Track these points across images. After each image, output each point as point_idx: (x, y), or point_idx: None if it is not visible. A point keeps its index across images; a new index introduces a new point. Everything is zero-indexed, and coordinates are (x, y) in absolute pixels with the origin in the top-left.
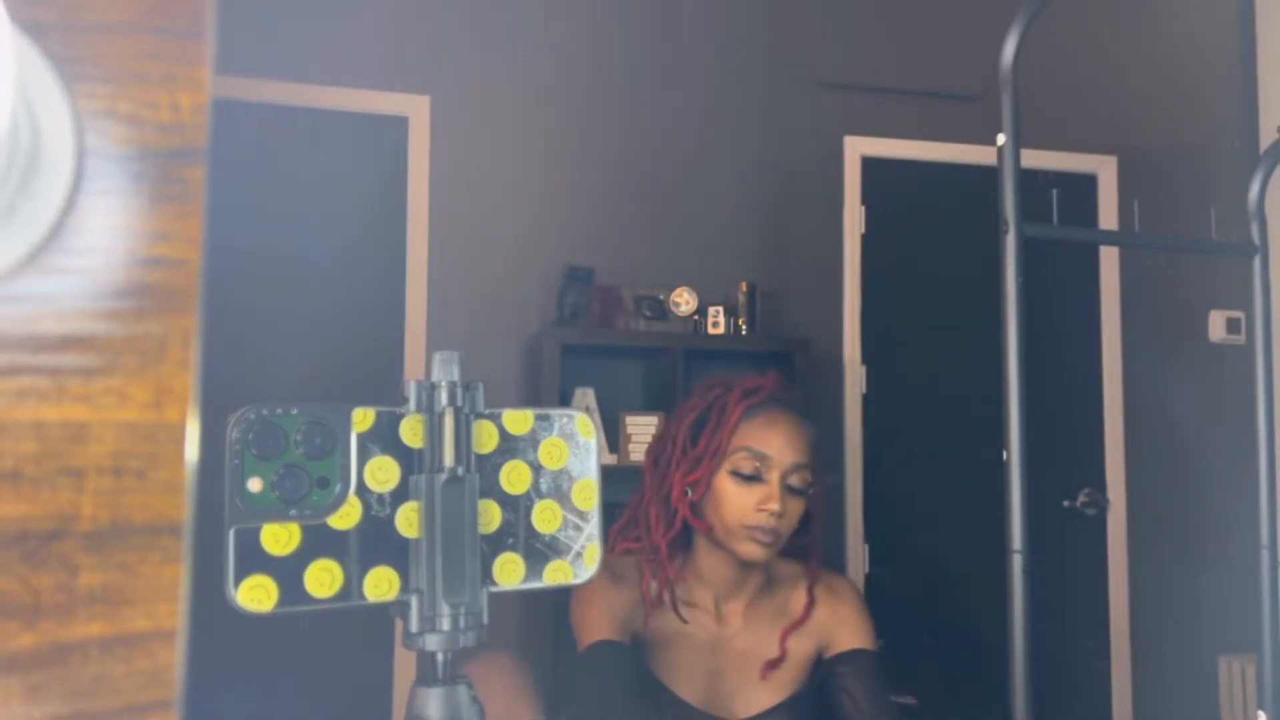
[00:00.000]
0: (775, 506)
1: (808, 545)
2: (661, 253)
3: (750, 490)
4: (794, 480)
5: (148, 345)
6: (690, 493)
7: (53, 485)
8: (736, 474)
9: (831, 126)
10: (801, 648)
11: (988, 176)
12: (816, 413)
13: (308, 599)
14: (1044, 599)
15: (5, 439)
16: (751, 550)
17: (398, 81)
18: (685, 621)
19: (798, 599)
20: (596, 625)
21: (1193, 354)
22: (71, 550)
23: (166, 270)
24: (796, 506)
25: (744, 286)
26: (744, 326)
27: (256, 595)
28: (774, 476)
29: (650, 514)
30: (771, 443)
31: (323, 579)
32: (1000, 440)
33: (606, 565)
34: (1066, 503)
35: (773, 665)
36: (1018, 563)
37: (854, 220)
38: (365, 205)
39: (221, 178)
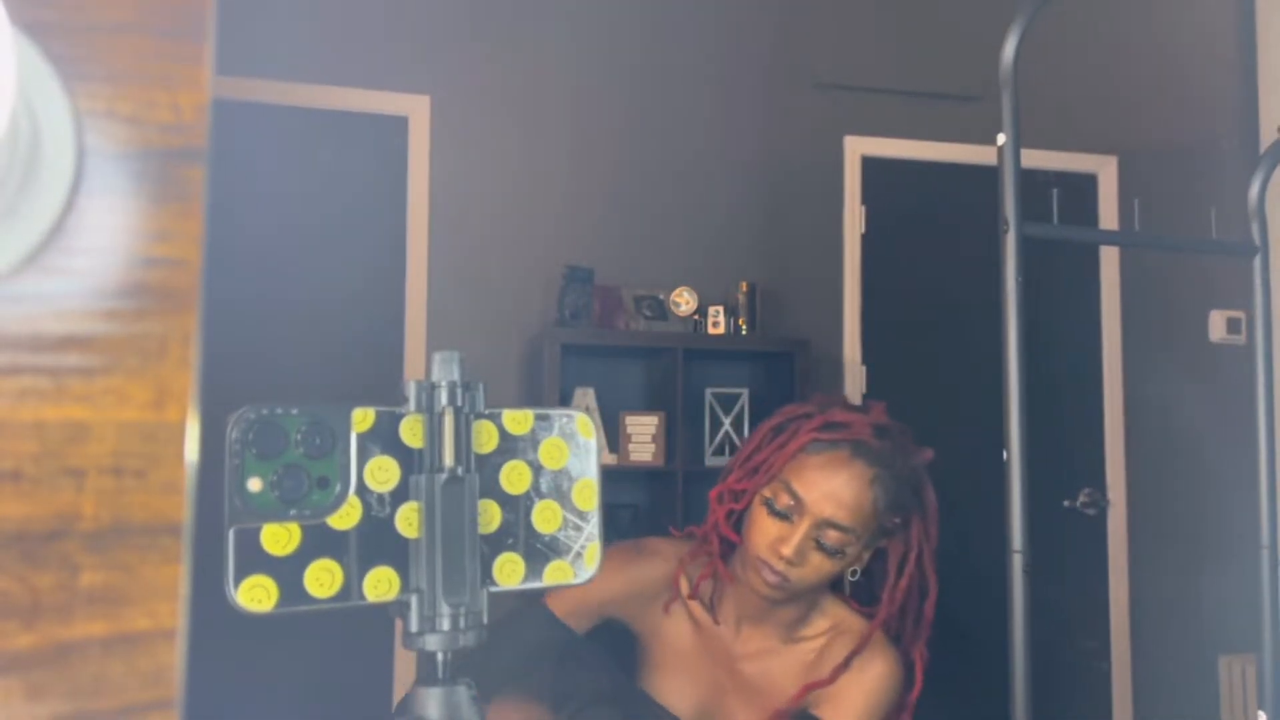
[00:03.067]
0: (787, 551)
1: (875, 612)
2: (661, 253)
3: (775, 525)
4: (826, 537)
5: (148, 345)
6: (736, 500)
7: (53, 485)
8: (769, 505)
9: (831, 126)
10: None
11: (988, 176)
12: None
13: (308, 599)
14: (1044, 599)
15: (6, 439)
16: (758, 584)
17: (398, 81)
18: (701, 623)
19: (832, 655)
20: (570, 596)
21: (1193, 354)
22: (72, 550)
23: (167, 270)
24: (820, 563)
25: (744, 286)
26: (744, 326)
27: (256, 595)
28: (803, 523)
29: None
30: (815, 488)
31: (322, 579)
32: (1000, 440)
33: (637, 543)
34: (1067, 503)
35: (781, 716)
36: (1018, 563)
37: (854, 220)
38: (365, 205)
39: (221, 178)
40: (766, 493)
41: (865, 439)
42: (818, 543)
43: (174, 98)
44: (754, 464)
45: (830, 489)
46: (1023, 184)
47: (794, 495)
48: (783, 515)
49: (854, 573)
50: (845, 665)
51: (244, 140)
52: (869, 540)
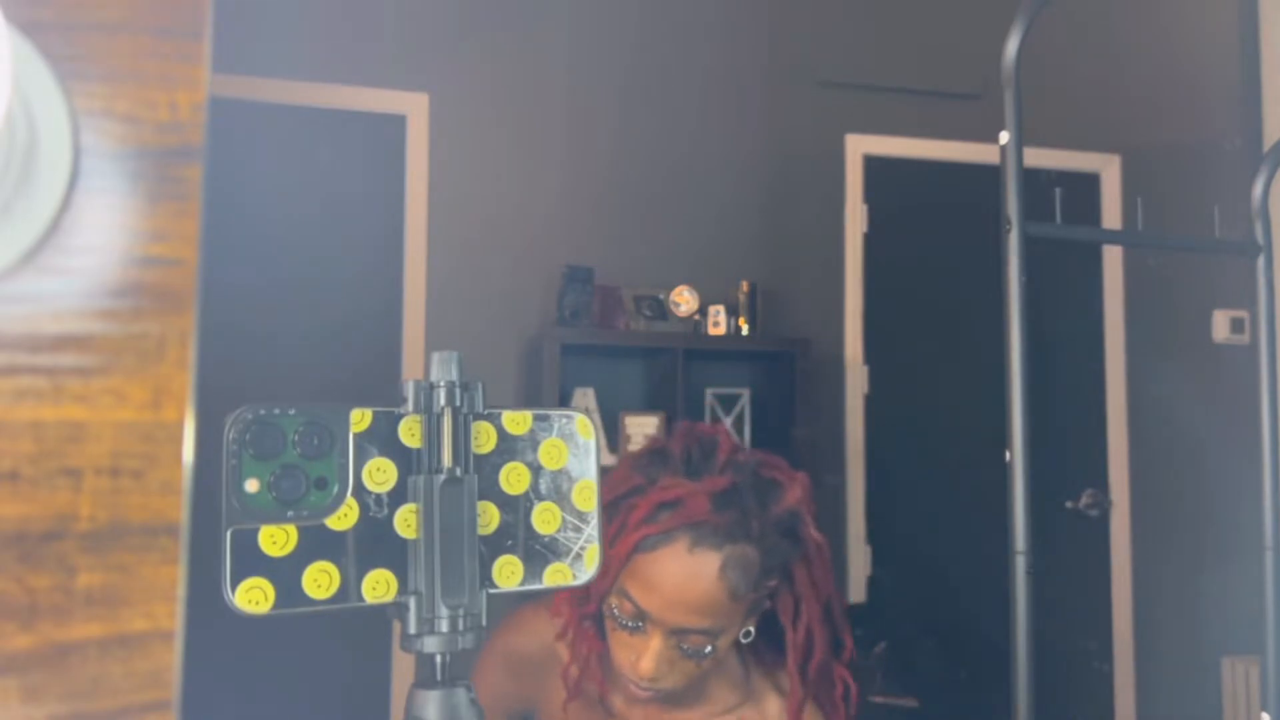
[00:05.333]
0: (645, 670)
1: (780, 661)
2: (661, 253)
3: (628, 638)
4: (686, 642)
5: (145, 345)
6: (585, 605)
7: (50, 485)
8: (614, 617)
9: (833, 125)
10: None
11: (990, 175)
12: (818, 414)
13: (305, 600)
14: (1047, 600)
15: (3, 439)
16: (633, 697)
17: (396, 79)
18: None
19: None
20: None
21: (1196, 354)
22: (69, 551)
23: (163, 270)
24: (689, 667)
25: (745, 286)
26: (745, 326)
27: (253, 597)
28: (654, 635)
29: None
30: (656, 594)
31: (320, 580)
32: (1003, 441)
33: (507, 619)
34: (1069, 504)
35: None
36: (1021, 564)
37: (856, 219)
38: (363, 204)
39: (218, 177)
40: (612, 601)
41: (703, 518)
42: (680, 649)
43: (171, 96)
44: None
45: (672, 594)
46: (1025, 183)
47: (635, 605)
48: (632, 628)
49: (747, 634)
50: None
51: (241, 139)
52: (745, 618)
